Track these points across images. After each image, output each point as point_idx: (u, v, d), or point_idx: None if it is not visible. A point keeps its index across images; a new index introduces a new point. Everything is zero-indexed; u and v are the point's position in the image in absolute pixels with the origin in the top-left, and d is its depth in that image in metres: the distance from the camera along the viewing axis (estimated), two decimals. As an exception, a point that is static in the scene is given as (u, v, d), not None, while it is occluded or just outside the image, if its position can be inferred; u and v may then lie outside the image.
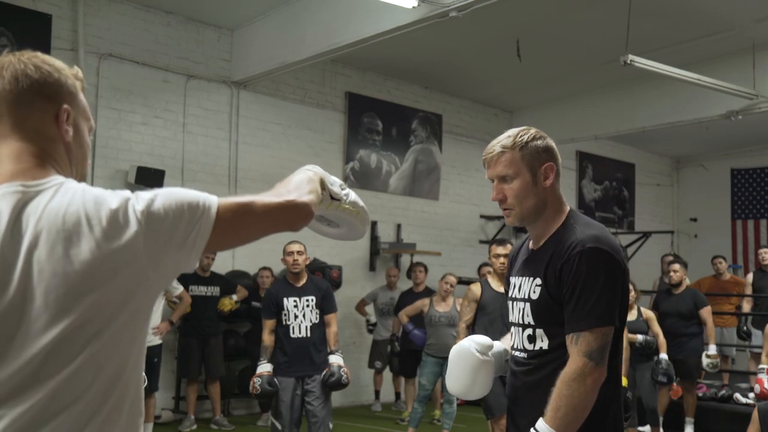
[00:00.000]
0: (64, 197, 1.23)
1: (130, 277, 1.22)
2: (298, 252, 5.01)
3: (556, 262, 2.01)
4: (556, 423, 1.91)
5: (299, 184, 1.48)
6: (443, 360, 5.55)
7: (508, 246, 5.16)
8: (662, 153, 13.69)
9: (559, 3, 7.25)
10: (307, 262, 5.14)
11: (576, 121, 10.24)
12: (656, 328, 6.49)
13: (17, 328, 1.18)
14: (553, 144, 2.15)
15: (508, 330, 2.28)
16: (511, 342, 2.22)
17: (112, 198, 1.24)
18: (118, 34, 7.42)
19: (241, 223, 1.34)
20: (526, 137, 2.08)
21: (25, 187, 1.24)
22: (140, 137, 7.58)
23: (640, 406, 6.58)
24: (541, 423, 1.94)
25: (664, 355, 6.42)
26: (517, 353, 2.16)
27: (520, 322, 2.13)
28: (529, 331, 2.10)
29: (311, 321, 4.96)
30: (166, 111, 7.76)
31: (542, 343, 2.07)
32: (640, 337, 6.29)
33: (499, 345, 2.34)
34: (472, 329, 5.16)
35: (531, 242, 2.19)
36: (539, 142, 2.10)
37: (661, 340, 6.44)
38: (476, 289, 5.28)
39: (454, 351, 2.30)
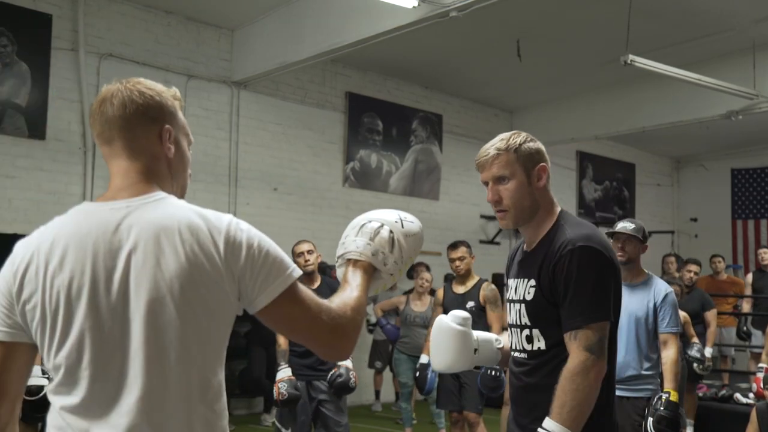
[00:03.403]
0: (164, 212, 1.37)
1: (212, 293, 1.35)
2: (308, 251, 4.79)
3: (549, 262, 2.04)
4: (563, 419, 1.91)
5: (360, 307, 1.49)
6: (416, 358, 5.61)
7: (461, 249, 5.35)
8: (662, 153, 13.69)
9: (559, 3, 7.25)
10: (319, 260, 4.94)
11: (576, 121, 10.24)
12: (690, 330, 6.32)
13: (121, 327, 1.32)
14: (542, 147, 2.19)
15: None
16: (509, 343, 2.25)
17: (210, 218, 1.38)
18: (118, 34, 7.42)
19: (301, 311, 1.41)
20: (519, 140, 2.12)
21: (130, 202, 1.39)
22: (140, 137, 7.57)
23: None
24: (548, 422, 1.93)
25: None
26: (516, 354, 2.18)
27: (518, 323, 2.16)
28: (526, 331, 2.12)
29: None
30: (166, 111, 7.75)
31: (539, 343, 2.09)
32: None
33: (484, 333, 2.36)
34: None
35: (525, 244, 2.23)
36: (531, 144, 2.13)
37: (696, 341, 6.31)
38: (440, 293, 5.53)
39: (434, 329, 2.32)
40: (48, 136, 6.88)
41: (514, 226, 2.14)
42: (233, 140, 8.26)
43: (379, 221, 1.65)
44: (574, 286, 1.98)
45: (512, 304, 2.19)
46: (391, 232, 1.64)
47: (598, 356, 1.95)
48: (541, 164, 2.12)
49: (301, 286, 1.42)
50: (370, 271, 1.59)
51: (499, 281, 8.32)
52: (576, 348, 1.96)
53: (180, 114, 1.52)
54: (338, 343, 1.44)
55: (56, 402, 1.35)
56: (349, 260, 1.62)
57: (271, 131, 8.60)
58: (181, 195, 1.51)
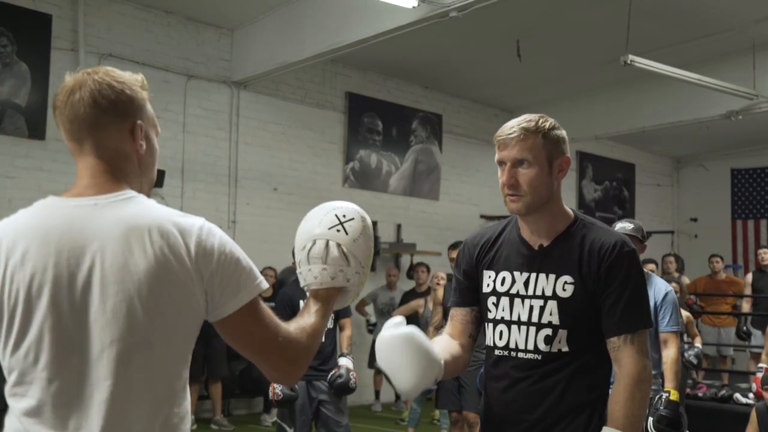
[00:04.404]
0: (132, 211, 1.34)
1: (181, 295, 1.32)
2: None
3: (596, 261, 1.92)
4: (631, 428, 1.85)
5: (316, 333, 1.48)
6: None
7: None
8: (662, 153, 13.69)
9: (559, 3, 7.25)
10: None
11: (576, 121, 10.22)
12: (693, 329, 6.26)
13: (83, 328, 1.29)
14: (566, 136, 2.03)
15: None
16: (501, 341, 2.02)
17: (180, 221, 1.35)
18: (118, 34, 7.42)
19: (260, 327, 1.40)
20: (547, 124, 1.94)
21: (97, 199, 1.35)
22: (140, 137, 7.57)
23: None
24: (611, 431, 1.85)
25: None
26: (523, 354, 1.98)
27: (535, 321, 1.96)
28: (547, 331, 1.94)
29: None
30: (166, 111, 7.75)
31: (560, 345, 1.94)
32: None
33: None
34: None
35: (528, 235, 2.02)
36: (559, 131, 1.96)
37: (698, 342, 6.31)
38: (440, 293, 5.54)
39: (379, 348, 1.85)
40: (48, 136, 6.88)
41: (526, 213, 1.95)
42: (233, 140, 8.26)
43: (323, 238, 1.58)
44: (632, 288, 1.92)
45: (526, 300, 1.98)
46: (338, 245, 1.57)
47: (650, 362, 1.93)
48: (566, 156, 1.97)
49: (262, 303, 1.41)
50: (335, 293, 1.56)
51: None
52: (635, 352, 1.89)
53: (148, 104, 1.47)
54: (287, 368, 1.43)
55: (14, 405, 1.32)
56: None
57: (271, 131, 8.60)
58: (148, 189, 1.47)
